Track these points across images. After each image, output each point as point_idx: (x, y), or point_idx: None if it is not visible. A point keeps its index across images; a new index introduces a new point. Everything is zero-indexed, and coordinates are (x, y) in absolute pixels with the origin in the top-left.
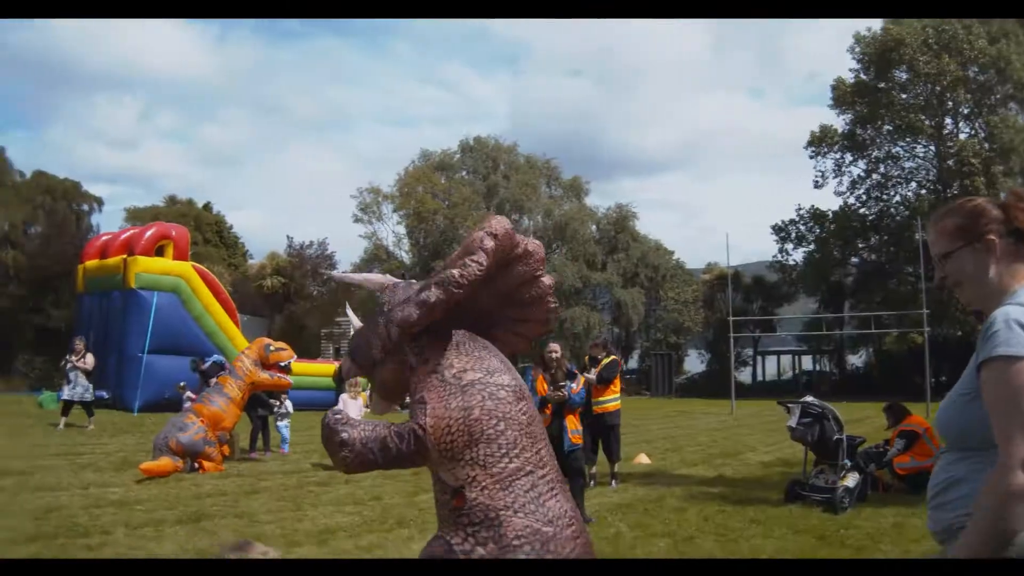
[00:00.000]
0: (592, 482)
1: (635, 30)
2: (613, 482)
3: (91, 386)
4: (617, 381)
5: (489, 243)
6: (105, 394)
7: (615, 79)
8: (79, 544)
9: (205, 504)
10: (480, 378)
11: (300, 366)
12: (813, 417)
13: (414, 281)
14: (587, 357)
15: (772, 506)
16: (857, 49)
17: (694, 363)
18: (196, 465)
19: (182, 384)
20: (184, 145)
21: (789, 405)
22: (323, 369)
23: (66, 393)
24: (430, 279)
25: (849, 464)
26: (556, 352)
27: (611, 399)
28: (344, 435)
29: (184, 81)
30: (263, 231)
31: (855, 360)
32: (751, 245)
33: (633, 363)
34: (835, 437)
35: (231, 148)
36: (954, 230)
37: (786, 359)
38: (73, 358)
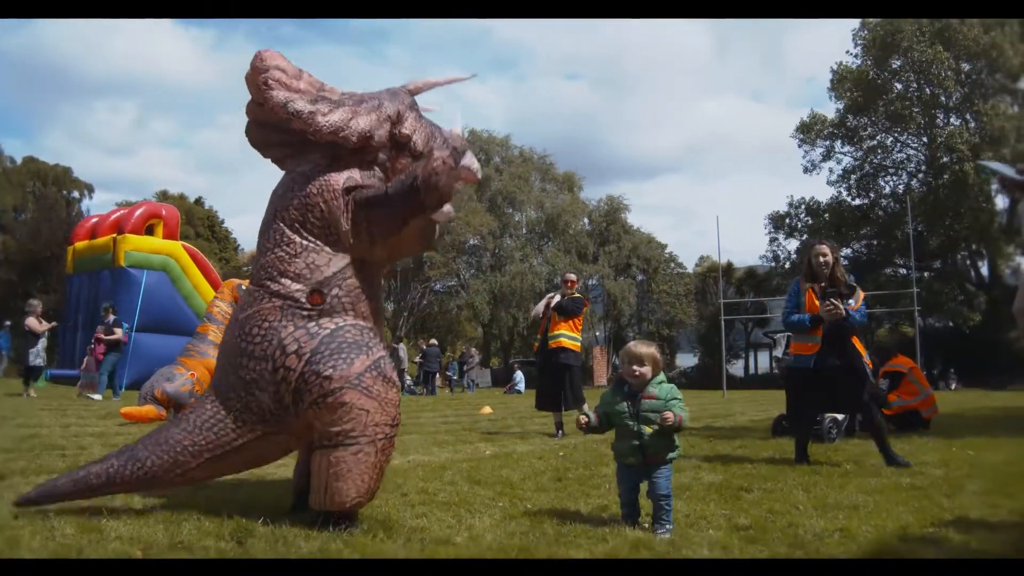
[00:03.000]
0: (560, 432)
1: (637, 34)
2: (559, 432)
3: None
4: (579, 323)
5: None
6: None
7: (613, 83)
8: (55, 454)
9: None
10: None
11: None
12: None
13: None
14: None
15: (759, 439)
16: (862, 35)
17: (687, 359)
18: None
19: None
20: (182, 151)
21: (775, 336)
22: None
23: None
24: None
25: None
26: (826, 255)
27: (566, 335)
28: None
29: (181, 88)
30: None
31: None
32: (746, 247)
33: None
34: None
35: (229, 154)
36: None
37: (778, 352)
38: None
